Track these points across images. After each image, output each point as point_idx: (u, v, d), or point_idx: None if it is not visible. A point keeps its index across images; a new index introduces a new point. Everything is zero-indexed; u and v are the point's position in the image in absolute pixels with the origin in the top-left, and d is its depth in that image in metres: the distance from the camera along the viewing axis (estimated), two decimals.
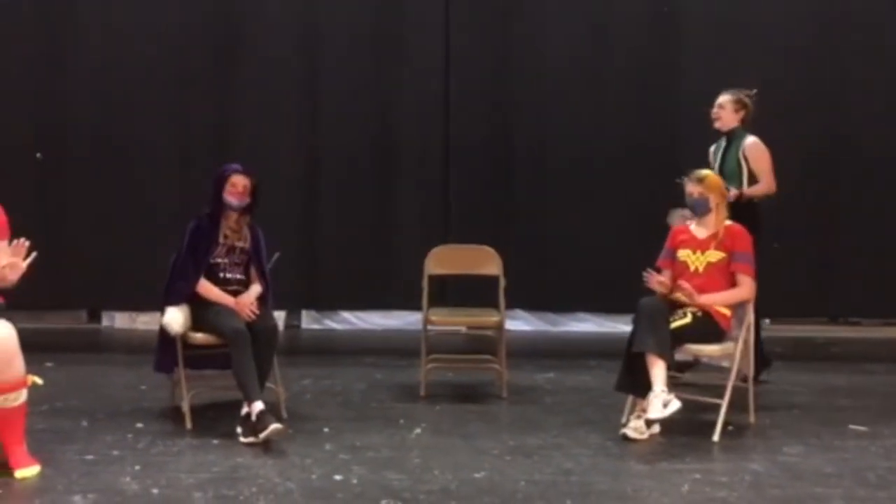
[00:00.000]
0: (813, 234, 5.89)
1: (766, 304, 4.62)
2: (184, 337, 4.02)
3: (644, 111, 5.91)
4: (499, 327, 4.69)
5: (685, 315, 3.96)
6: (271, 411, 3.80)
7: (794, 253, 5.76)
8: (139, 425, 4.01)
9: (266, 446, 3.69)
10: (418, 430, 4.05)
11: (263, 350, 3.93)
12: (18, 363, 3.33)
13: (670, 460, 3.67)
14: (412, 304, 5.00)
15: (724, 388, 4.01)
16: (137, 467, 3.46)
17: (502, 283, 4.73)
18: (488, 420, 4.27)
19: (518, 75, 5.97)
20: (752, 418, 4.21)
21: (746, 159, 4.73)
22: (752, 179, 4.72)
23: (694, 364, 4.67)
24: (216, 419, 4.04)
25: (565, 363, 5.19)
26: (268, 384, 4.04)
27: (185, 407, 4.01)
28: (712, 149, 4.93)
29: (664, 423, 3.91)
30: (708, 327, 4.00)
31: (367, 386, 4.88)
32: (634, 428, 3.94)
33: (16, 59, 5.77)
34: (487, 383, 4.84)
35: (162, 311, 4.04)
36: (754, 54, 5.83)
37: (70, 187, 5.85)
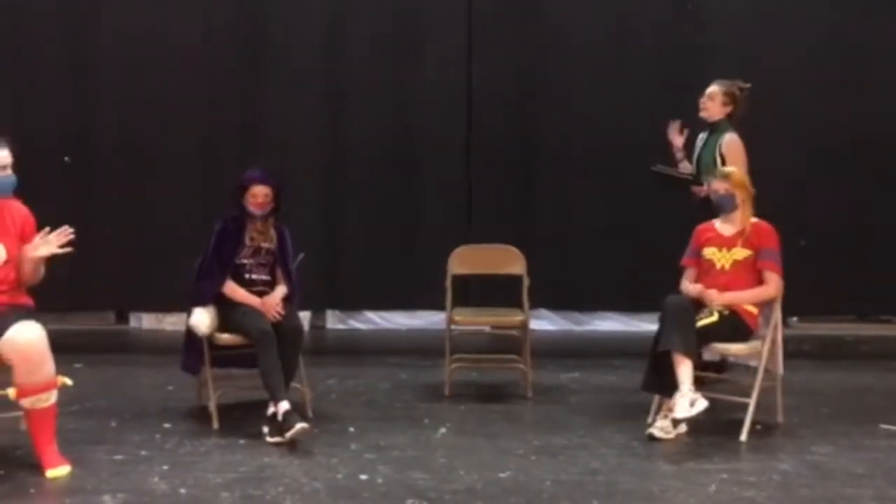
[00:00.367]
0: (841, 231, 5.82)
1: (794, 302, 4.57)
2: (210, 337, 4.05)
3: (669, 107, 5.85)
4: (523, 327, 4.68)
5: (712, 313, 3.93)
6: (297, 411, 3.82)
7: (821, 250, 5.69)
8: (167, 425, 4.04)
9: (292, 446, 3.71)
10: (443, 430, 4.05)
11: (289, 350, 3.96)
12: (48, 365, 3.37)
13: (697, 460, 3.64)
14: (436, 303, 5.00)
15: (751, 386, 3.98)
16: (165, 467, 3.49)
17: (526, 282, 4.72)
18: (513, 420, 4.26)
19: (540, 73, 5.95)
20: (780, 417, 4.17)
21: (722, 155, 4.65)
22: None
23: (725, 366, 4.64)
24: (243, 419, 4.06)
25: (590, 363, 5.17)
26: (293, 384, 4.06)
27: (212, 407, 4.04)
28: (697, 139, 4.90)
29: (691, 422, 3.88)
30: (735, 326, 3.96)
31: (392, 386, 4.89)
32: (661, 427, 3.91)
33: (42, 64, 5.83)
34: (512, 383, 4.83)
35: (189, 312, 4.07)
36: (780, 48, 5.77)
37: (98, 190, 5.91)
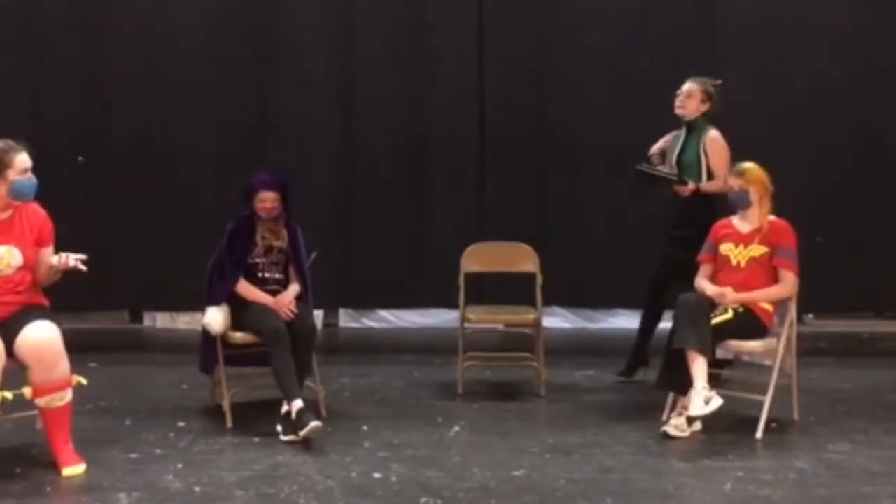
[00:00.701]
0: (858, 228, 5.76)
1: (810, 299, 4.54)
2: (224, 336, 4.06)
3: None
4: (536, 325, 4.67)
5: (726, 311, 3.91)
6: (311, 409, 3.82)
7: (838, 247, 5.64)
8: (181, 424, 4.06)
9: (306, 444, 3.72)
10: (457, 428, 4.04)
11: (302, 349, 3.96)
12: (64, 364, 3.39)
13: (712, 458, 3.62)
14: (449, 302, 5.00)
15: (766, 384, 3.95)
16: (180, 465, 3.50)
17: (539, 280, 4.71)
18: (527, 418, 4.25)
19: (554, 70, 5.92)
20: (796, 415, 4.14)
21: (706, 153, 4.61)
22: (710, 175, 4.60)
23: (732, 361, 4.61)
24: (256, 418, 4.07)
25: (604, 360, 5.14)
26: (307, 383, 4.06)
27: (226, 406, 4.05)
28: (669, 137, 4.84)
29: (706, 420, 3.85)
30: (750, 323, 3.94)
31: (405, 384, 4.89)
32: (675, 425, 3.89)
33: (56, 64, 5.85)
34: (525, 381, 4.82)
35: (203, 311, 4.08)
36: (797, 44, 5.72)
37: (111, 189, 5.93)
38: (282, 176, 4.20)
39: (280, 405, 3.87)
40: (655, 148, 4.92)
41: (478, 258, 4.80)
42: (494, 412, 4.34)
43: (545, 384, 4.65)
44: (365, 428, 4.02)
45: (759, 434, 3.87)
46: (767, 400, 3.92)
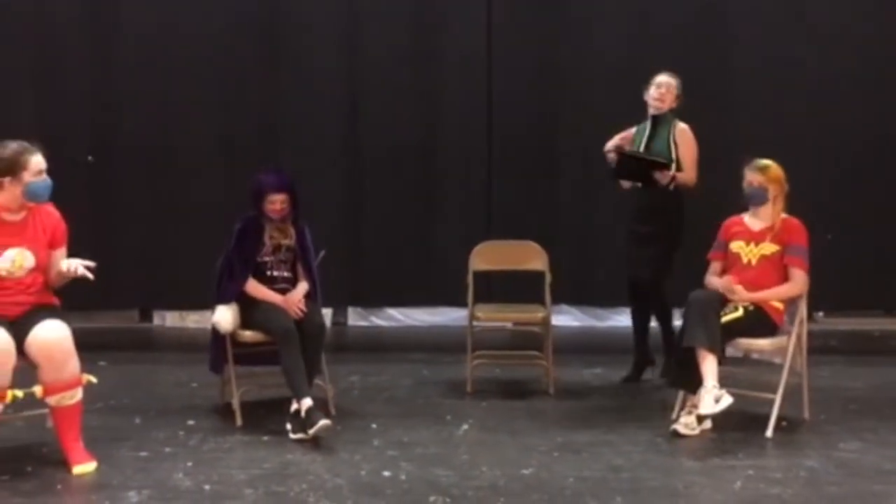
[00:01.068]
0: (869, 226, 5.73)
1: (821, 297, 4.52)
2: (233, 335, 4.07)
3: (691, 102, 5.80)
4: (545, 323, 4.66)
5: (736, 309, 3.89)
6: (320, 408, 3.83)
7: (848, 245, 5.62)
8: (190, 422, 4.07)
9: (315, 443, 3.72)
10: (465, 427, 4.04)
11: (311, 347, 3.97)
12: (74, 362, 3.40)
13: (722, 456, 3.61)
14: (458, 300, 5.00)
15: (776, 382, 3.93)
16: (189, 464, 3.51)
17: (548, 278, 4.70)
18: (536, 416, 4.25)
19: (562, 69, 5.91)
20: (806, 414, 4.12)
21: (676, 144, 4.62)
22: (678, 167, 4.62)
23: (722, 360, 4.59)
24: (266, 416, 4.08)
25: (613, 358, 5.13)
26: (316, 381, 4.07)
27: (236, 404, 4.06)
28: (633, 131, 4.83)
29: (715, 418, 3.84)
30: (760, 321, 3.92)
31: (414, 382, 4.89)
32: (685, 424, 3.88)
33: (65, 65, 5.87)
34: (534, 379, 4.82)
35: (212, 310, 4.09)
36: (804, 42, 5.69)
37: (120, 189, 5.95)
38: (289, 176, 4.20)
39: (289, 403, 3.87)
40: (611, 144, 4.89)
41: (486, 256, 4.79)
42: (503, 410, 4.34)
43: (554, 382, 4.64)
44: (374, 426, 4.02)
45: (769, 432, 3.85)
46: (778, 398, 3.90)
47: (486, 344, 4.84)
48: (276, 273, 4.18)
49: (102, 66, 5.89)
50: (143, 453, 3.64)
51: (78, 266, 3.41)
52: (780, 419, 3.90)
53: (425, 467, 3.47)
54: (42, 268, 3.47)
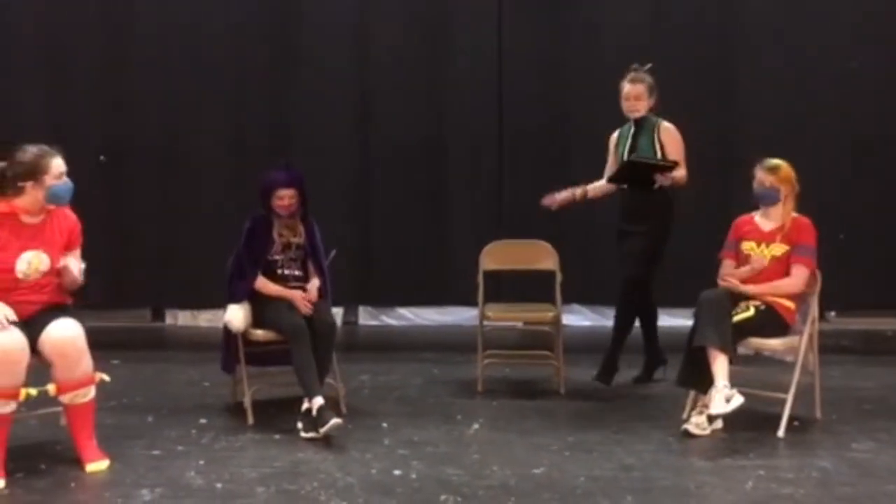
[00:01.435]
0: (881, 225, 5.70)
1: (833, 297, 4.50)
2: (245, 334, 4.09)
3: (702, 101, 5.80)
4: (556, 322, 4.66)
5: (748, 308, 3.88)
6: (331, 407, 3.84)
7: (861, 244, 5.59)
8: (202, 421, 4.08)
9: (326, 441, 3.73)
10: (476, 426, 4.04)
11: (322, 346, 3.98)
12: (87, 361, 3.43)
13: (734, 456, 3.60)
14: (468, 299, 5.00)
15: (788, 382, 3.92)
16: (201, 462, 3.53)
17: (559, 277, 4.70)
18: (546, 416, 4.24)
19: (572, 68, 5.90)
20: (818, 413, 4.10)
21: (663, 145, 4.56)
22: None
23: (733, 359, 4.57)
24: (277, 415, 4.09)
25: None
26: (327, 380, 4.08)
27: (247, 403, 4.08)
28: (615, 136, 4.75)
29: (727, 418, 3.83)
30: (771, 321, 3.91)
31: (425, 381, 4.90)
32: (696, 423, 3.87)
33: (77, 65, 5.91)
34: (545, 379, 4.82)
35: (224, 309, 4.11)
36: (818, 40, 5.67)
37: (133, 189, 5.98)
38: (298, 172, 4.21)
39: (300, 402, 3.88)
40: (559, 197, 4.82)
41: (497, 256, 4.79)
42: (514, 410, 4.34)
43: (564, 382, 4.64)
44: (385, 425, 4.03)
45: (780, 432, 3.84)
46: (789, 398, 3.89)
47: (497, 343, 4.84)
48: (286, 272, 4.19)
49: (115, 66, 5.92)
50: (156, 451, 3.66)
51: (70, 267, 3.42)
52: (791, 419, 3.89)
53: (436, 466, 3.47)
54: (56, 270, 3.49)
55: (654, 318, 4.84)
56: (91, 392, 3.45)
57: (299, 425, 3.86)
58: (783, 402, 3.89)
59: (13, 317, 3.24)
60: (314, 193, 4.33)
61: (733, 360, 3.83)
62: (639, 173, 4.54)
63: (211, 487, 3.26)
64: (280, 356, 4.08)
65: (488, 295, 4.77)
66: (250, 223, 4.19)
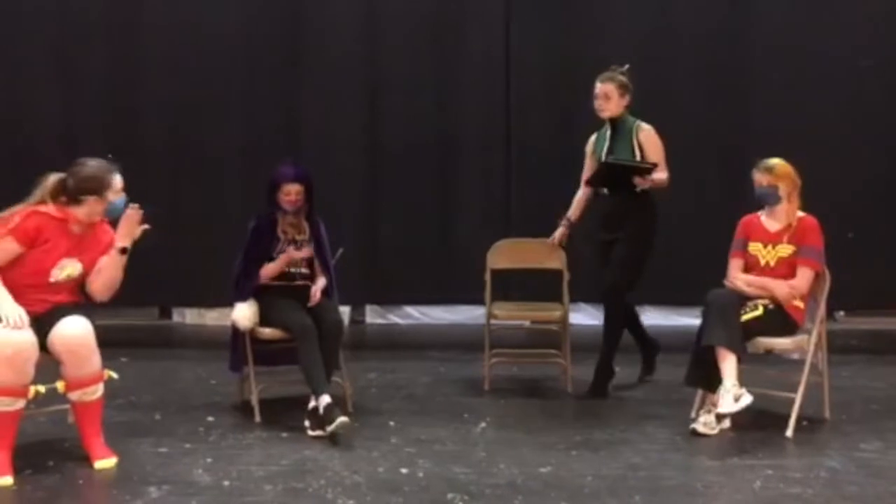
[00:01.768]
0: (890, 224, 5.68)
1: (842, 296, 4.47)
2: (252, 332, 4.09)
3: (711, 102, 5.78)
4: (563, 321, 4.66)
5: (756, 307, 3.87)
6: (338, 405, 3.84)
7: (870, 243, 5.56)
8: (210, 419, 4.09)
9: (333, 439, 3.73)
10: (483, 424, 4.04)
11: (329, 345, 3.98)
12: (96, 359, 3.44)
13: (742, 456, 3.59)
14: (475, 298, 4.99)
15: (796, 382, 3.90)
16: (209, 460, 3.54)
17: (566, 276, 4.69)
18: (553, 414, 4.24)
19: (581, 68, 5.85)
20: (827, 413, 4.09)
21: (642, 147, 4.47)
22: None
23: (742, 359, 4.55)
24: (284, 413, 4.10)
25: (631, 357, 5.10)
26: (334, 378, 4.08)
27: (255, 401, 4.08)
28: (592, 139, 4.66)
29: (735, 417, 3.82)
30: (780, 320, 3.89)
31: (432, 380, 4.90)
32: (704, 423, 3.86)
33: (86, 64, 5.92)
34: (552, 378, 4.81)
35: (231, 307, 4.11)
36: (828, 39, 5.64)
37: (140, 187, 5.93)
38: (305, 168, 4.22)
39: (307, 400, 3.88)
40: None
41: (504, 254, 4.79)
42: (521, 408, 4.34)
43: (572, 381, 4.63)
44: (392, 423, 4.03)
45: (789, 432, 3.83)
46: (798, 398, 3.87)
47: (504, 342, 4.84)
48: (293, 269, 4.20)
49: (125, 65, 5.93)
50: (163, 449, 3.66)
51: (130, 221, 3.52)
52: (800, 419, 3.87)
53: (443, 465, 3.47)
54: (82, 279, 3.54)
55: (635, 318, 4.77)
56: (100, 389, 3.46)
57: (306, 423, 3.86)
58: (792, 401, 3.87)
59: (27, 318, 3.26)
60: (323, 192, 4.33)
61: (742, 360, 3.81)
62: (617, 176, 4.42)
63: (218, 485, 3.27)
64: (287, 355, 4.08)
65: (496, 294, 4.76)
66: (255, 222, 4.20)
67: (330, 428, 3.71)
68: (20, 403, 3.27)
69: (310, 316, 3.99)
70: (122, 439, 3.68)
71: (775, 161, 4.05)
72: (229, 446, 3.72)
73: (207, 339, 5.90)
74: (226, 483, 3.29)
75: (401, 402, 4.44)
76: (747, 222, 4.13)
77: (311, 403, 3.85)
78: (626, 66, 4.60)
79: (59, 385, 3.40)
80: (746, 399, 3.67)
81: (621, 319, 4.60)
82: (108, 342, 3.56)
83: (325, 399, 3.79)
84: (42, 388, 3.34)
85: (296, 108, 5.97)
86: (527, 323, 5.80)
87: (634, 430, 3.91)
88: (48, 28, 5.91)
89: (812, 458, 3.56)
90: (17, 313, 3.24)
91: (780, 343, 3.96)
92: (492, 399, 4.52)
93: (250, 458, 3.57)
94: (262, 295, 4.11)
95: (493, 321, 4.70)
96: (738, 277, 4.00)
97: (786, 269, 3.95)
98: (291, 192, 4.13)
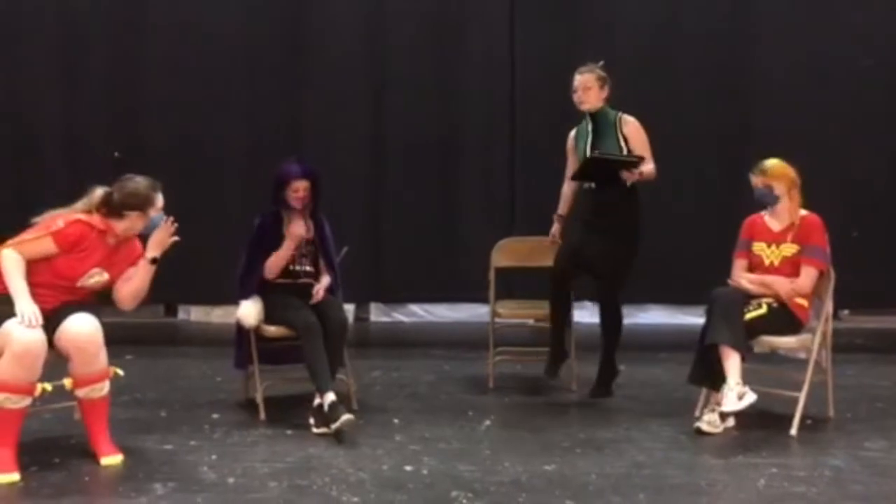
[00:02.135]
0: (894, 222, 5.67)
1: (846, 295, 4.47)
2: (258, 330, 4.10)
3: (716, 102, 5.78)
4: (568, 319, 4.64)
5: (760, 306, 3.87)
6: (342, 403, 3.85)
7: (874, 242, 5.56)
8: (215, 416, 4.10)
9: (338, 437, 3.74)
10: (487, 422, 4.05)
11: (334, 342, 3.99)
12: (103, 356, 3.46)
13: (746, 454, 3.59)
14: (479, 296, 5.00)
15: (801, 380, 3.90)
16: (214, 457, 3.55)
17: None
18: (558, 413, 4.25)
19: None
20: (831, 412, 4.09)
21: (627, 140, 4.41)
22: None
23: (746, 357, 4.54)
24: (289, 410, 4.11)
25: (635, 356, 5.11)
26: (339, 376, 4.09)
27: (259, 398, 4.09)
28: (572, 134, 4.59)
29: (739, 416, 3.83)
30: (784, 319, 3.89)
31: (436, 378, 4.91)
32: (708, 421, 3.86)
33: (91, 62, 5.93)
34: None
35: (236, 305, 4.12)
36: (831, 39, 5.64)
37: None
38: (312, 165, 4.23)
39: (312, 398, 3.89)
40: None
41: (508, 253, 4.79)
42: (525, 406, 4.34)
43: (576, 379, 4.64)
44: (396, 421, 4.04)
45: (793, 430, 3.83)
46: (802, 396, 3.87)
47: (508, 340, 4.84)
48: (297, 267, 4.21)
49: (128, 64, 5.94)
50: (169, 446, 3.68)
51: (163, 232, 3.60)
52: (804, 417, 3.88)
53: (447, 462, 3.48)
54: (104, 288, 3.60)
55: (566, 313, 4.56)
56: (106, 387, 3.48)
57: (311, 421, 3.87)
58: (796, 400, 3.87)
59: (41, 318, 3.27)
60: (326, 191, 4.33)
61: (746, 358, 3.81)
62: (602, 170, 4.35)
63: (223, 482, 3.28)
64: (292, 353, 4.09)
65: (500, 292, 4.77)
66: (260, 220, 4.21)
67: (334, 425, 3.72)
68: (27, 401, 3.28)
69: (315, 314, 4.00)
70: (128, 436, 3.70)
71: (770, 162, 4.03)
72: (234, 443, 3.73)
73: (212, 337, 5.92)
74: (231, 480, 3.30)
75: (405, 400, 4.44)
76: (751, 222, 4.12)
77: (316, 401, 3.86)
78: (601, 63, 4.53)
79: (67, 382, 3.41)
80: (750, 397, 3.67)
81: (619, 318, 4.53)
82: (114, 339, 3.57)
83: (330, 397, 3.80)
84: (49, 386, 3.36)
85: (298, 108, 5.97)
86: (531, 321, 5.80)
87: (638, 429, 3.92)
88: (49, 28, 5.92)
89: (816, 456, 3.56)
90: (33, 311, 3.26)
91: (785, 342, 3.96)
92: (496, 397, 4.52)
93: (255, 455, 3.58)
94: (267, 293, 4.12)
95: (497, 319, 4.71)
96: (741, 276, 4.00)
97: (790, 269, 3.95)
98: (300, 189, 4.14)
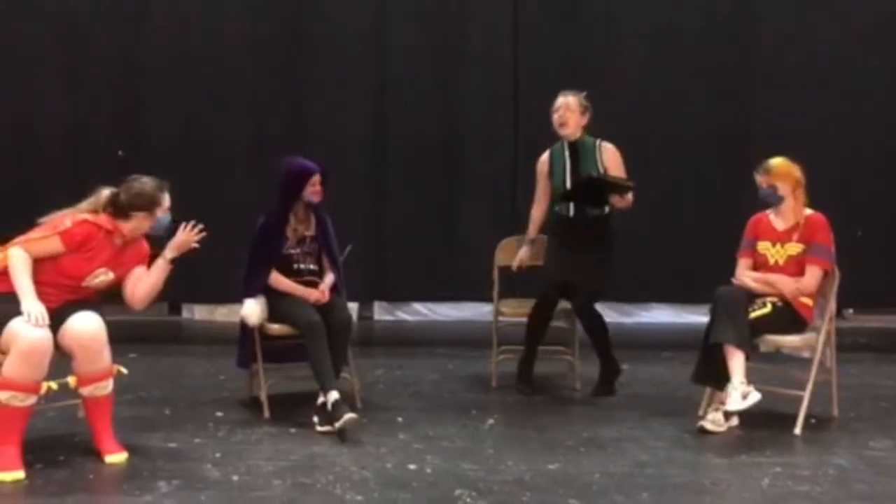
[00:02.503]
0: None
1: (851, 294, 4.47)
2: (261, 328, 4.11)
3: (718, 101, 5.77)
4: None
5: (765, 305, 3.86)
6: (346, 401, 3.85)
7: (879, 241, 5.55)
8: (219, 414, 4.11)
9: (341, 435, 3.75)
10: (491, 421, 4.05)
11: (338, 341, 3.99)
12: (107, 354, 3.46)
13: (750, 453, 3.59)
14: (483, 295, 5.00)
15: (805, 380, 3.90)
16: (218, 455, 3.55)
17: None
18: (561, 412, 4.25)
19: (587, 68, 5.87)
20: (835, 411, 4.08)
21: (605, 167, 4.35)
22: None
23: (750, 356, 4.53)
24: (293, 409, 4.11)
25: (639, 355, 5.11)
26: (342, 374, 4.09)
27: (263, 397, 4.10)
28: (545, 158, 4.53)
29: (743, 415, 3.83)
30: (789, 318, 3.89)
31: (440, 377, 4.91)
32: (712, 420, 3.86)
33: (96, 61, 5.93)
34: (560, 375, 4.81)
35: (240, 303, 4.13)
36: (834, 40, 5.63)
37: None
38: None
39: (316, 396, 3.90)
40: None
41: (511, 252, 4.79)
42: (529, 405, 4.34)
43: (580, 378, 4.64)
44: (400, 420, 4.05)
45: (797, 430, 3.82)
46: (806, 395, 3.87)
47: (512, 339, 4.84)
48: (301, 266, 4.21)
49: (131, 62, 5.94)
50: (173, 444, 3.68)
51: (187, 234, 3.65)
52: (808, 416, 3.87)
53: (451, 461, 3.48)
54: (108, 287, 3.60)
55: (546, 323, 4.51)
56: (110, 385, 3.49)
57: (315, 419, 3.87)
58: (800, 399, 3.87)
59: (47, 317, 3.28)
60: (330, 190, 4.33)
61: (750, 357, 3.81)
62: (594, 192, 4.32)
63: (227, 480, 3.28)
64: (296, 351, 4.10)
65: (503, 291, 4.77)
66: (263, 219, 4.21)
67: (338, 424, 3.73)
68: (33, 399, 3.29)
69: (318, 312, 4.00)
70: (132, 434, 3.71)
71: (774, 161, 4.03)
72: (238, 442, 3.74)
73: (216, 335, 5.93)
74: (235, 478, 3.30)
75: (409, 399, 4.45)
76: (756, 221, 4.12)
77: (320, 399, 3.87)
78: (585, 94, 4.48)
79: (71, 380, 3.42)
80: (754, 397, 3.67)
81: (601, 319, 4.50)
82: (118, 338, 3.58)
83: (334, 395, 3.81)
84: (55, 385, 3.36)
85: (301, 108, 5.97)
86: None
87: (642, 428, 3.92)
88: (52, 28, 5.92)
89: (820, 456, 3.56)
90: (40, 310, 3.26)
91: (789, 341, 3.96)
92: (499, 396, 4.52)
93: (259, 453, 3.59)
94: (271, 291, 4.13)
95: (500, 318, 4.71)
96: (745, 275, 3.99)
97: (795, 268, 3.94)
98: (317, 184, 4.15)
